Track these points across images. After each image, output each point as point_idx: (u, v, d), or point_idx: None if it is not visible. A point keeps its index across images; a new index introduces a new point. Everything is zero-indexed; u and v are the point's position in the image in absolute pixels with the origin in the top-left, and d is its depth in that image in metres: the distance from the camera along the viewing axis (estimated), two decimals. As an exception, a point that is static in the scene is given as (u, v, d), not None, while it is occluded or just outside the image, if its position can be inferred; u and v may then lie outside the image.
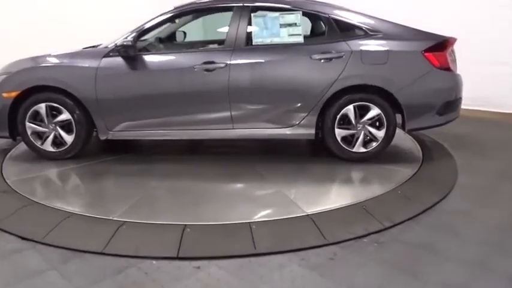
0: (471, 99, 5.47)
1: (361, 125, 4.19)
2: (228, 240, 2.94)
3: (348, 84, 4.09)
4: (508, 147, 5.01)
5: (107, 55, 4.23)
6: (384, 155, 4.29)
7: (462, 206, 3.48)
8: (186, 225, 3.09)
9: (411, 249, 2.86)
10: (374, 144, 4.24)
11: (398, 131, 4.26)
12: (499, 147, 4.99)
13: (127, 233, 3.05)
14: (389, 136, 4.20)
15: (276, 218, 3.21)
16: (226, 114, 4.21)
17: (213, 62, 4.14)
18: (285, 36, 4.10)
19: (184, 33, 5.33)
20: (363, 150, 4.25)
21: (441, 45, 4.13)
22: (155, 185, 3.88)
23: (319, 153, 4.55)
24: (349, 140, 4.28)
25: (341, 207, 3.38)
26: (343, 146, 4.25)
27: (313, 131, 4.21)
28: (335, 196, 3.71)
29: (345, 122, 4.24)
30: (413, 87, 4.08)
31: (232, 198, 3.58)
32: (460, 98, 4.33)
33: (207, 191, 3.71)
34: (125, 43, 4.14)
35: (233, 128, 4.26)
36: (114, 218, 3.20)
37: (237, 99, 4.17)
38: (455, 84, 4.22)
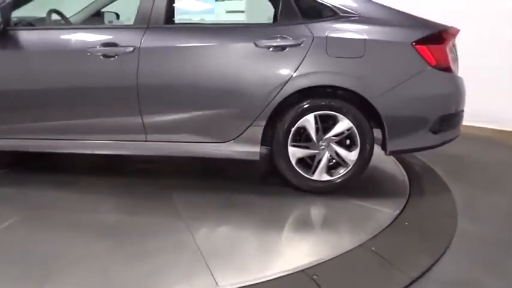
0: (466, 112, 4.35)
1: (324, 143, 2.98)
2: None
3: (307, 85, 2.87)
4: (516, 175, 3.89)
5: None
6: (356, 185, 3.10)
7: (465, 273, 2.30)
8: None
9: None
10: (342, 170, 3.03)
11: (377, 149, 3.11)
12: (504, 174, 3.85)
13: None
14: (364, 160, 3.00)
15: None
16: (136, 120, 2.97)
17: (115, 44, 2.90)
18: (220, 13, 2.91)
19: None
20: (326, 178, 3.03)
21: (439, 36, 2.98)
22: None
23: (268, 180, 3.34)
24: (308, 163, 3.07)
25: (280, 277, 2.14)
26: (299, 171, 3.02)
27: (257, 149, 2.99)
28: (274, 257, 2.37)
29: (303, 137, 3.02)
30: (399, 93, 2.89)
31: (103, 261, 2.30)
32: (462, 111, 3.16)
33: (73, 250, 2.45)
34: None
35: (146, 141, 3.03)
36: None
37: (150, 100, 2.93)
38: (456, 90, 3.04)
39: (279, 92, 2.87)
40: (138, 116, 2.95)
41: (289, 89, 2.87)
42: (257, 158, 3.02)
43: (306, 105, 2.93)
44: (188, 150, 3.04)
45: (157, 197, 2.99)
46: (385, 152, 3.02)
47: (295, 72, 2.86)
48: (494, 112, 5.15)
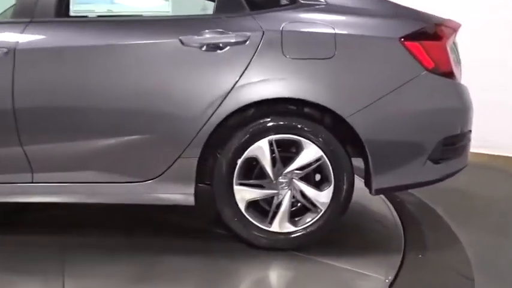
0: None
1: (285, 180, 2.12)
2: None
3: (257, 98, 2.03)
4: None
5: None
6: (331, 239, 2.23)
7: None
8: None
9: None
10: (311, 217, 2.15)
11: (359, 184, 2.28)
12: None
13: None
14: (340, 202, 2.13)
15: None
16: (16, 151, 2.10)
17: (-21, 47, 2.07)
18: (133, 2, 2.10)
19: None
20: (289, 229, 2.15)
21: (436, 30, 2.18)
22: None
23: (211, 231, 2.44)
24: (264, 208, 2.20)
25: None
26: (251, 220, 2.14)
27: (190, 190, 2.10)
28: None
29: (255, 173, 2.16)
30: (386, 108, 2.07)
31: None
32: (469, 132, 2.37)
33: None
34: None
35: (33, 182, 2.16)
36: None
37: (32, 123, 2.06)
38: (462, 104, 2.21)
39: (216, 108, 2.02)
40: (18, 145, 2.07)
41: (232, 104, 2.02)
42: (191, 202, 2.15)
43: (257, 127, 2.08)
44: (93, 193, 2.16)
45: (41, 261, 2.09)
46: (370, 191, 2.18)
47: (238, 80, 2.01)
48: (490, 135, 4.42)
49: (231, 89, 2.02)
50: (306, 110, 2.18)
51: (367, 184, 2.20)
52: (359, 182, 2.25)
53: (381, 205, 2.87)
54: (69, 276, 1.96)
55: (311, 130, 2.08)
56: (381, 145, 2.09)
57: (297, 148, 2.13)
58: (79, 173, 2.11)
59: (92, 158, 2.10)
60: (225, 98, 2.02)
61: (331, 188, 2.12)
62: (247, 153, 2.09)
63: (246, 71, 2.02)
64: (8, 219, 2.55)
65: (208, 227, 2.47)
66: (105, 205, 2.25)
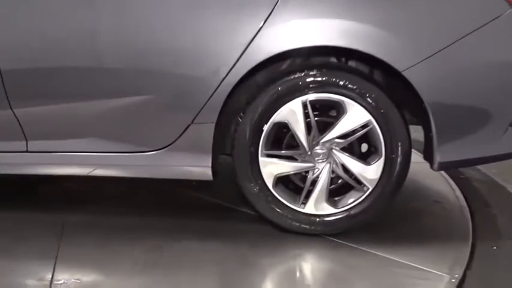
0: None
1: (323, 151, 1.71)
2: None
3: (285, 48, 1.59)
4: None
5: None
6: (379, 223, 1.82)
7: None
8: None
9: None
10: (354, 197, 1.74)
11: (416, 159, 1.83)
12: None
13: None
14: (392, 179, 1.69)
15: None
16: (6, 116, 1.78)
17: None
18: None
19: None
20: (328, 210, 1.74)
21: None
22: None
23: (236, 210, 2.05)
24: (296, 185, 1.82)
25: None
26: (281, 199, 1.75)
27: (207, 162, 1.73)
28: None
29: (285, 142, 1.77)
30: (456, 59, 1.59)
31: None
32: None
33: None
34: None
35: (27, 151, 1.86)
36: None
37: (21, 82, 1.72)
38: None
39: (236, 62, 1.59)
40: (8, 108, 1.78)
41: (254, 56, 1.59)
42: (208, 177, 1.79)
43: (287, 85, 1.65)
44: (94, 165, 1.82)
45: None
46: (431, 165, 1.72)
47: (263, 25, 1.57)
48: None
49: (254, 37, 1.59)
50: (351, 63, 1.75)
51: (428, 157, 1.75)
52: (414, 156, 1.80)
53: (441, 183, 2.37)
54: (62, 258, 1.68)
55: (357, 88, 1.63)
56: (448, 107, 1.61)
57: (338, 111, 1.70)
58: (78, 141, 1.78)
59: (91, 123, 1.75)
60: (246, 48, 1.59)
61: (381, 161, 1.68)
62: (275, 118, 1.68)
63: (272, 14, 1.58)
64: (10, 193, 2.31)
65: (230, 205, 2.09)
66: (116, 178, 1.95)
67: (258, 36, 1.60)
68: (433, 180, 2.37)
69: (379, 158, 1.68)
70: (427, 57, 1.58)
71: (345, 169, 1.72)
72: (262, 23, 1.59)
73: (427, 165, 1.77)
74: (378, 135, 1.66)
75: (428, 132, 1.68)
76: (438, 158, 1.67)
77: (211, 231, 1.86)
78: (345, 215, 1.74)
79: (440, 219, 2.02)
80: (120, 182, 2.15)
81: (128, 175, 1.83)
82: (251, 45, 1.60)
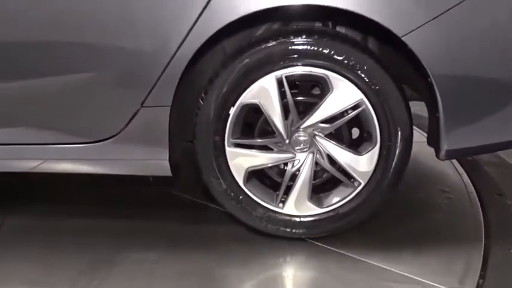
0: None
1: (304, 137, 1.39)
2: None
3: (254, 9, 1.24)
4: None
5: None
6: (373, 224, 1.52)
7: None
8: None
9: None
10: (342, 194, 1.42)
11: (415, 136, 1.49)
12: None
13: None
14: (388, 171, 1.37)
15: None
16: None
17: None
18: None
19: None
20: (310, 210, 1.42)
21: None
22: None
23: (203, 207, 1.72)
24: (273, 181, 1.52)
25: None
26: (253, 197, 1.43)
27: (163, 154, 1.40)
28: None
29: (258, 127, 1.45)
30: (468, 21, 1.25)
31: None
32: None
33: None
34: None
35: None
36: None
37: None
38: None
39: (193, 25, 1.27)
40: None
41: (215, 20, 1.24)
42: (165, 171, 1.47)
43: (257, 56, 1.31)
44: (28, 159, 1.52)
45: None
46: (437, 153, 1.41)
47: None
48: None
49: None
50: (338, 28, 1.41)
51: (432, 142, 1.43)
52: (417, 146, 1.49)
53: (445, 166, 2.07)
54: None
55: (345, 58, 1.29)
56: (460, 82, 1.29)
57: (322, 89, 1.37)
58: (6, 131, 1.48)
59: (20, 108, 1.43)
60: (204, 8, 1.26)
61: (376, 150, 1.36)
62: (244, 98, 1.34)
63: None
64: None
65: (198, 201, 1.75)
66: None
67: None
68: (436, 163, 2.00)
69: (373, 147, 1.35)
70: (434, 18, 1.24)
71: (332, 160, 1.40)
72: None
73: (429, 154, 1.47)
74: (372, 118, 1.33)
75: (433, 113, 1.36)
76: (446, 144, 1.34)
77: (172, 235, 1.55)
78: (331, 215, 1.43)
79: (446, 214, 1.70)
80: (72, 176, 1.85)
81: (68, 171, 1.51)
82: (210, 4, 1.26)
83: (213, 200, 1.52)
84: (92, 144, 1.43)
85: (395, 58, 1.37)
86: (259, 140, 1.41)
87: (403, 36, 1.24)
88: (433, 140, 1.40)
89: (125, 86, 1.36)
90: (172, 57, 1.30)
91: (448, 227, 1.62)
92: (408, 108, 1.35)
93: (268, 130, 1.41)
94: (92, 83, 1.36)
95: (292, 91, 1.35)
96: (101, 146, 1.43)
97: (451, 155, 1.38)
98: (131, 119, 1.38)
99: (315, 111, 1.35)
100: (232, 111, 1.36)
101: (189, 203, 1.77)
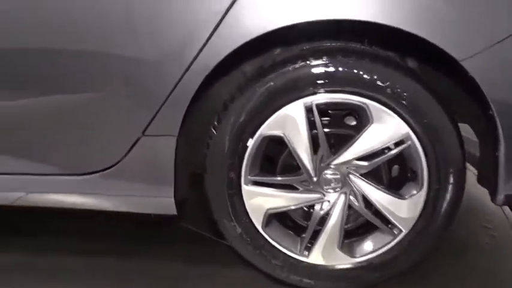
0: None
1: (335, 176, 1.16)
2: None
3: (277, 25, 1.02)
4: None
5: None
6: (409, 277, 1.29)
7: None
8: None
9: None
10: (378, 242, 1.19)
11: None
12: None
13: None
14: (435, 219, 1.15)
15: None
16: None
17: None
18: None
19: None
20: (342, 260, 1.20)
21: None
22: None
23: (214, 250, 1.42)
24: (296, 224, 1.30)
25: None
26: (274, 243, 1.22)
27: (167, 190, 1.19)
28: None
29: (279, 162, 1.22)
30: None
31: None
32: None
33: None
34: None
35: None
36: None
37: None
38: None
39: (202, 48, 1.04)
40: None
41: (229, 39, 1.03)
42: (170, 210, 1.25)
43: (282, 80, 1.09)
44: (10, 190, 1.32)
45: None
46: (494, 197, 1.18)
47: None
48: None
49: (226, 13, 1.04)
50: (377, 48, 1.19)
51: (486, 183, 1.20)
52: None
53: (483, 196, 1.83)
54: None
55: (389, 85, 1.07)
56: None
57: (360, 119, 1.15)
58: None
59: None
60: (216, 28, 1.04)
61: (423, 193, 1.14)
62: (265, 129, 1.12)
63: None
64: None
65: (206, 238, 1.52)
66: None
67: (232, 9, 1.04)
68: (478, 190, 1.79)
69: (419, 190, 1.14)
70: (500, 41, 1.03)
71: (368, 203, 1.19)
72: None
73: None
74: (419, 156, 1.11)
75: (490, 150, 1.15)
76: (506, 189, 1.14)
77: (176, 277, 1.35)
78: (364, 265, 1.22)
79: (490, 256, 1.49)
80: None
81: (54, 205, 1.29)
82: (222, 23, 1.03)
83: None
84: (82, 177, 1.22)
85: (445, 85, 1.15)
86: (282, 178, 1.19)
87: (463, 60, 1.03)
88: (488, 181, 1.18)
89: (124, 110, 1.15)
90: (182, 76, 1.08)
91: (492, 273, 1.40)
92: (462, 145, 1.13)
93: (293, 165, 1.19)
94: (84, 104, 1.15)
95: (322, 119, 1.15)
96: (93, 178, 1.21)
97: (510, 200, 1.17)
98: (130, 149, 1.17)
99: (350, 146, 1.13)
100: (251, 143, 1.14)
101: (197, 238, 1.56)
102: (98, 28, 1.07)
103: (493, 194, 1.16)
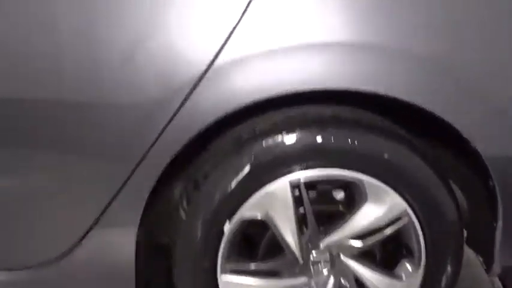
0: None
1: (324, 257, 1.02)
2: None
3: (270, 93, 0.87)
4: None
5: None
6: None
7: None
8: None
9: None
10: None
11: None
12: None
13: None
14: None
15: None
16: None
17: None
18: None
19: None
20: None
21: None
22: None
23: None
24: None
25: None
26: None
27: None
28: None
29: (261, 245, 1.05)
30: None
31: None
32: None
33: None
34: None
35: None
36: None
37: None
38: None
39: (174, 114, 0.86)
40: None
41: (211, 108, 0.85)
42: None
43: (265, 154, 0.93)
44: None
45: None
46: (487, 268, 1.09)
47: (222, 46, 0.83)
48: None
49: (205, 71, 0.87)
50: (378, 120, 1.04)
51: (482, 253, 1.13)
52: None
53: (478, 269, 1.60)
54: None
55: (389, 158, 0.94)
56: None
57: (351, 195, 1.01)
58: None
59: None
60: (191, 91, 0.86)
61: (420, 274, 1.03)
62: (244, 210, 0.95)
63: (238, 26, 0.87)
64: None
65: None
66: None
67: (210, 70, 0.86)
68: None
69: (416, 270, 1.01)
70: (497, 111, 0.94)
71: (360, 286, 1.07)
72: (222, 43, 0.86)
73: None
74: (417, 235, 0.99)
75: (487, 221, 1.07)
76: (503, 260, 1.06)
77: None
78: None
79: None
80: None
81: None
82: (200, 85, 0.86)
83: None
84: (14, 272, 0.97)
85: (442, 155, 1.06)
86: (265, 264, 1.02)
87: (468, 134, 0.92)
88: (483, 251, 1.11)
89: (73, 195, 0.92)
90: (146, 153, 0.88)
91: None
92: (461, 219, 1.04)
93: (276, 247, 1.03)
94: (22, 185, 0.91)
95: (309, 193, 0.99)
96: (27, 275, 0.97)
97: (505, 271, 1.10)
98: (79, 241, 0.95)
99: (342, 226, 0.99)
100: (228, 228, 0.97)
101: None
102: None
103: (489, 266, 1.07)
